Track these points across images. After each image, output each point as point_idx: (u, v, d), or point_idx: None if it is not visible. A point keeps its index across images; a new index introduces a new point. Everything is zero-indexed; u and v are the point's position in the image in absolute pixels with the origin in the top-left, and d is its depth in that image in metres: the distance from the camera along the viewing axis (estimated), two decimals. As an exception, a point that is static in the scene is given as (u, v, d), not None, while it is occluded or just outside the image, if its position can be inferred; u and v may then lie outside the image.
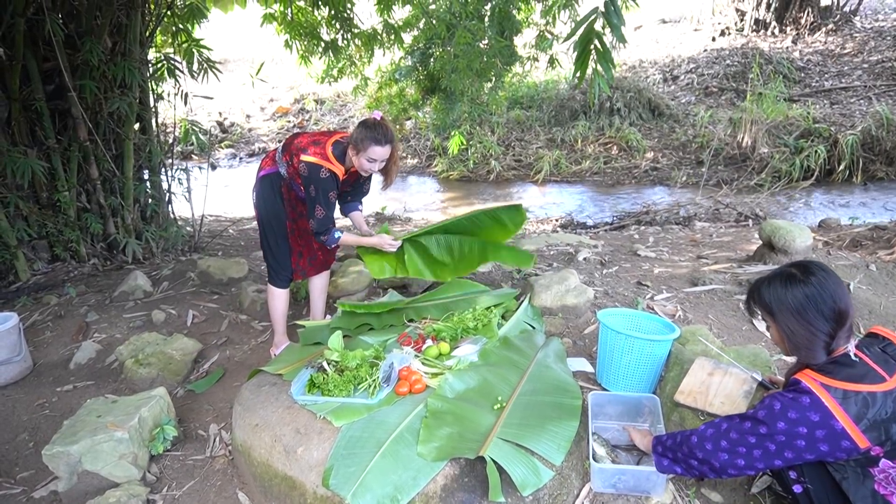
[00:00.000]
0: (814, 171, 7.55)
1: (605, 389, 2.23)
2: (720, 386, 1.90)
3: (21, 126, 4.10)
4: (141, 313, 3.57)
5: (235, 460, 2.22)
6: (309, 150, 2.47)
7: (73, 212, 4.37)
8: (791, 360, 2.32)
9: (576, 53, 2.53)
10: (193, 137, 4.89)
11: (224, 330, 3.37)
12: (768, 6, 12.09)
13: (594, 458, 1.80)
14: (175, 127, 5.09)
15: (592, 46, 2.47)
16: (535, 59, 6.60)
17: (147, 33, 4.68)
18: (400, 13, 5.72)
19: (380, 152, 2.45)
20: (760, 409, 1.46)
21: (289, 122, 13.65)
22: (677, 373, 2.08)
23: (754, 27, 12.34)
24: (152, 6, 4.73)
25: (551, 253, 4.04)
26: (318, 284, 3.06)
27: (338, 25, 5.20)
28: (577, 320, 2.79)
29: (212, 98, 4.93)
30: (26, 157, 3.90)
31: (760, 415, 1.45)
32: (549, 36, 6.26)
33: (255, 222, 2.93)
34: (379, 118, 2.48)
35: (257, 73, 5.38)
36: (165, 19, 4.74)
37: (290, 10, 5.13)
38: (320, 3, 4.96)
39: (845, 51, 11.05)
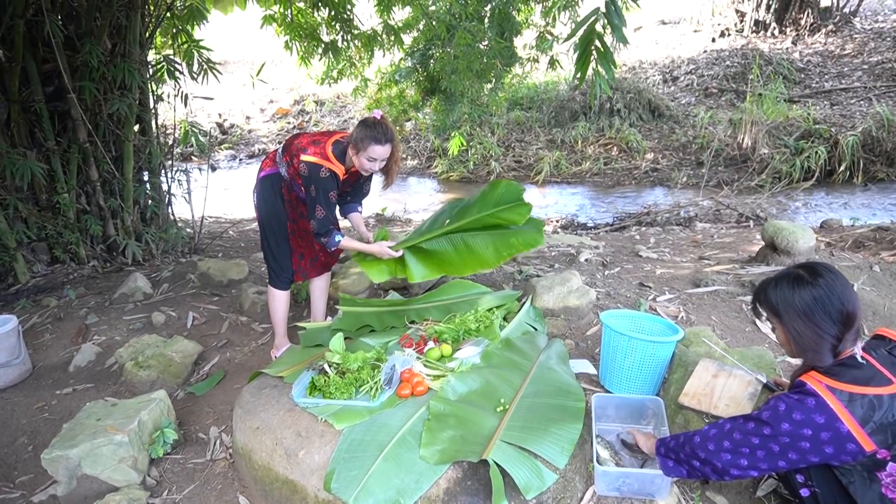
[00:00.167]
0: (814, 172, 7.55)
1: (608, 391, 2.22)
2: (725, 388, 1.89)
3: (20, 128, 4.09)
4: (141, 315, 3.55)
5: (236, 463, 2.21)
6: (309, 149, 2.45)
7: (72, 214, 4.36)
8: (796, 361, 2.31)
9: (577, 54, 2.52)
10: (193, 139, 4.88)
11: (224, 332, 3.35)
12: (768, 7, 12.10)
13: (598, 461, 1.79)
14: (175, 128, 5.08)
15: (593, 47, 2.46)
16: (536, 61, 6.60)
17: (147, 35, 4.67)
18: (400, 14, 5.73)
19: (380, 151, 2.43)
20: (765, 409, 1.45)
21: (289, 123, 13.65)
22: (681, 375, 2.07)
23: (754, 28, 12.34)
24: (152, 7, 4.72)
25: (552, 254, 4.03)
26: (319, 286, 3.05)
27: (338, 27, 5.19)
28: (580, 322, 2.78)
29: (212, 99, 4.93)
30: (26, 158, 3.89)
31: (764, 415, 1.43)
32: (549, 37, 6.26)
33: (256, 224, 2.91)
34: (379, 117, 2.46)
35: (258, 74, 5.36)
36: (165, 21, 4.74)
37: (289, 11, 5.13)
38: (320, 4, 4.96)
39: (845, 52, 11.05)
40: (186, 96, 4.73)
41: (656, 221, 6.19)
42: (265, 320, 3.38)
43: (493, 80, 6.20)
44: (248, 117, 14.17)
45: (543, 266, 3.66)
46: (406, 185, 9.70)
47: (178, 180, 5.19)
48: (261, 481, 1.97)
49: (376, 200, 7.84)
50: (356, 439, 1.85)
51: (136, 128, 4.79)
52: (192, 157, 10.69)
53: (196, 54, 4.48)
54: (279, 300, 2.87)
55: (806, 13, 11.95)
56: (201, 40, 4.56)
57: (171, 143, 5.29)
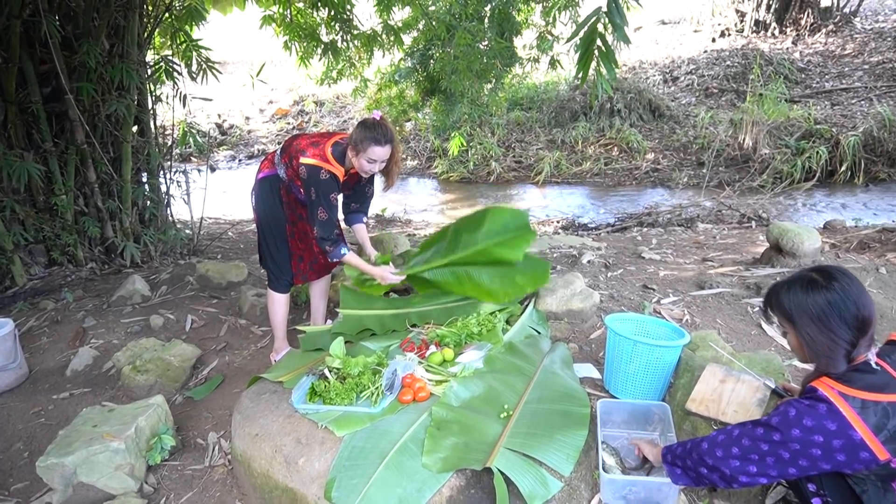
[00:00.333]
0: (815, 173, 7.52)
1: (613, 396, 2.18)
2: (733, 394, 1.85)
3: (17, 129, 4.06)
4: (139, 318, 3.51)
5: (235, 470, 2.17)
6: (308, 151, 2.42)
7: (70, 215, 4.32)
8: (804, 366, 2.28)
9: (578, 54, 2.49)
10: (191, 139, 4.84)
11: (223, 335, 3.32)
12: (768, 7, 12.08)
13: (604, 469, 1.75)
14: (174, 129, 5.05)
15: (595, 47, 2.43)
16: (536, 61, 6.57)
17: (145, 35, 4.63)
18: (399, 14, 5.69)
19: (380, 153, 2.39)
20: (774, 415, 1.42)
21: (288, 123, 13.62)
22: (688, 380, 2.03)
23: (754, 28, 12.32)
24: (150, 8, 4.69)
25: (554, 255, 4.00)
26: (319, 288, 3.02)
27: (337, 27, 5.16)
28: (583, 325, 2.74)
29: (211, 100, 4.90)
30: (23, 160, 3.85)
31: (774, 421, 1.40)
32: (549, 37, 6.23)
33: (255, 225, 2.88)
34: (378, 118, 2.42)
35: (258, 74, 5.33)
36: (164, 21, 4.70)
37: (289, 11, 5.09)
38: (319, 4, 4.93)
39: (846, 52, 11.03)
40: (185, 97, 4.69)
41: (658, 222, 6.16)
42: (264, 323, 3.34)
43: (493, 81, 6.17)
44: (247, 118, 14.14)
45: (545, 268, 3.63)
46: (406, 185, 9.67)
47: (177, 181, 5.16)
48: (260, 489, 1.93)
49: (376, 201, 7.76)
50: (357, 446, 1.81)
51: (135, 129, 4.76)
52: (192, 157, 10.66)
53: (195, 54, 4.44)
54: (279, 303, 2.83)
55: (806, 13, 11.93)
56: (200, 40, 4.52)
57: (169, 143, 5.25)
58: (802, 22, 11.97)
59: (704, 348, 2.21)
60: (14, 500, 2.20)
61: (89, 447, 2.02)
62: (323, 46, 5.31)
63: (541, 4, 6.03)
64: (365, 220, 2.88)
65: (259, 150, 12.45)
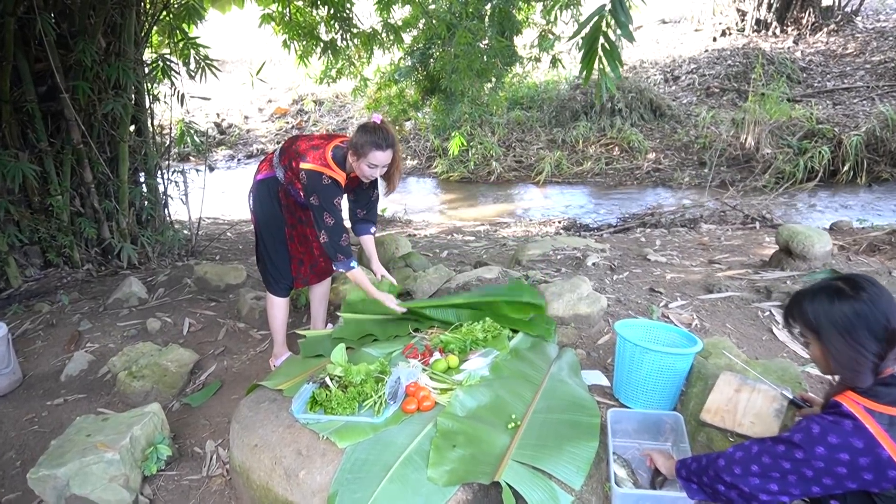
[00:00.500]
0: (818, 173, 7.46)
1: (622, 405, 2.12)
2: (749, 404, 1.79)
3: (12, 129, 3.99)
4: (135, 321, 3.45)
5: (233, 481, 2.11)
6: (308, 156, 2.35)
7: (66, 216, 4.25)
8: (818, 373, 2.22)
9: (581, 52, 2.43)
10: (189, 139, 4.77)
11: (221, 339, 3.25)
12: (769, 6, 12.03)
13: (616, 482, 1.69)
14: (171, 129, 4.98)
15: (599, 45, 2.36)
16: (537, 60, 6.51)
17: (142, 33, 4.56)
18: (399, 13, 5.64)
19: (381, 157, 2.33)
20: (796, 431, 1.36)
21: (287, 123, 13.55)
22: (700, 388, 1.97)
23: (755, 27, 12.27)
24: (147, 5, 4.62)
25: (558, 258, 3.93)
26: (319, 292, 2.95)
27: (337, 25, 5.10)
28: (591, 330, 2.68)
29: (209, 99, 4.83)
30: (17, 160, 3.79)
31: (796, 438, 1.34)
32: (550, 36, 6.17)
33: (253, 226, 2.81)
34: (379, 121, 2.36)
35: (258, 73, 5.27)
36: (161, 19, 4.63)
37: (288, 10, 5.03)
38: (319, 2, 4.86)
39: (847, 51, 10.99)
40: (183, 96, 4.62)
41: (661, 223, 6.10)
42: (263, 327, 3.28)
43: (494, 80, 6.11)
44: (246, 117, 14.07)
45: (550, 270, 3.57)
46: (406, 185, 9.60)
47: (175, 181, 5.09)
48: (259, 502, 1.87)
49: (376, 201, 7.73)
50: (360, 458, 1.75)
51: (132, 128, 4.69)
52: (190, 157, 10.58)
53: (193, 52, 4.37)
54: (278, 307, 2.77)
55: (807, 12, 11.88)
56: (198, 38, 4.45)
57: (167, 143, 5.18)
58: (804, 21, 11.92)
59: (717, 356, 2.15)
60: (5, 512, 2.14)
61: (82, 458, 1.95)
62: (322, 45, 5.25)
63: (541, 3, 5.97)
64: (373, 230, 2.78)
65: (258, 150, 12.37)
